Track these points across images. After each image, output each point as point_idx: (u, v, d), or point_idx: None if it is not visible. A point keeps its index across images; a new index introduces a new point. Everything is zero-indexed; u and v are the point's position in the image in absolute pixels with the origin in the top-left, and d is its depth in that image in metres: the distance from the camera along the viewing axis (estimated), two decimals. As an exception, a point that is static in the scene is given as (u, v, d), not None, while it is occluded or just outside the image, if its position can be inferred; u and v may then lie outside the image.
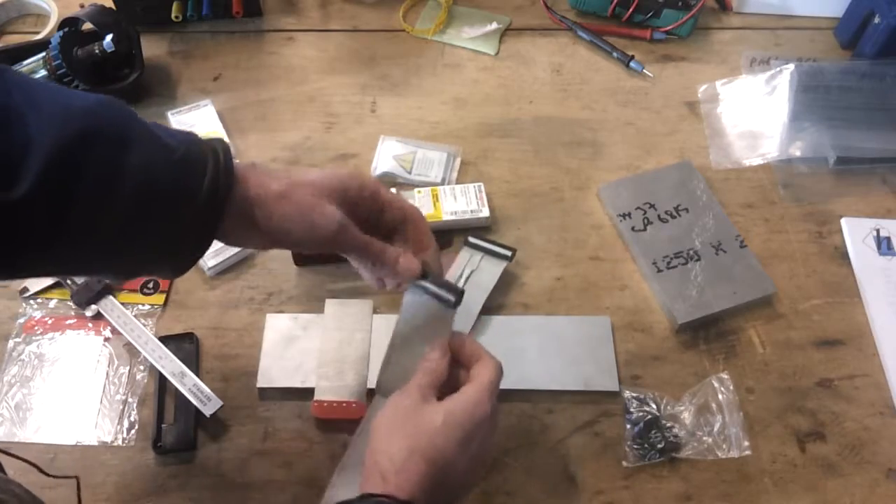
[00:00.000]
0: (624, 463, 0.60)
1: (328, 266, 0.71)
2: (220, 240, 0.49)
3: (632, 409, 0.62)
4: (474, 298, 0.67)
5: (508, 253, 0.69)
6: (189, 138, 0.46)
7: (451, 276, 0.68)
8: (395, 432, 0.46)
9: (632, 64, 0.87)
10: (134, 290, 0.69)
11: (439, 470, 0.45)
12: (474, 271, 0.68)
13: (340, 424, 0.61)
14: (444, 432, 0.46)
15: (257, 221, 0.47)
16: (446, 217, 0.72)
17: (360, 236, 0.50)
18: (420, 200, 0.73)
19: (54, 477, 0.55)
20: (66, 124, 0.41)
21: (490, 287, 0.68)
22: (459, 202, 0.73)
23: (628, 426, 0.61)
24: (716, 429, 0.61)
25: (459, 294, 0.52)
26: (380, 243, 0.51)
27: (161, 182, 0.44)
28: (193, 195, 0.44)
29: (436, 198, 0.73)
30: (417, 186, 0.75)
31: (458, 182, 0.77)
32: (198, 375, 0.63)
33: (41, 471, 0.53)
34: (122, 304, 0.67)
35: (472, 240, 0.70)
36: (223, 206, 0.46)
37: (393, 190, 0.71)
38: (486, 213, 0.73)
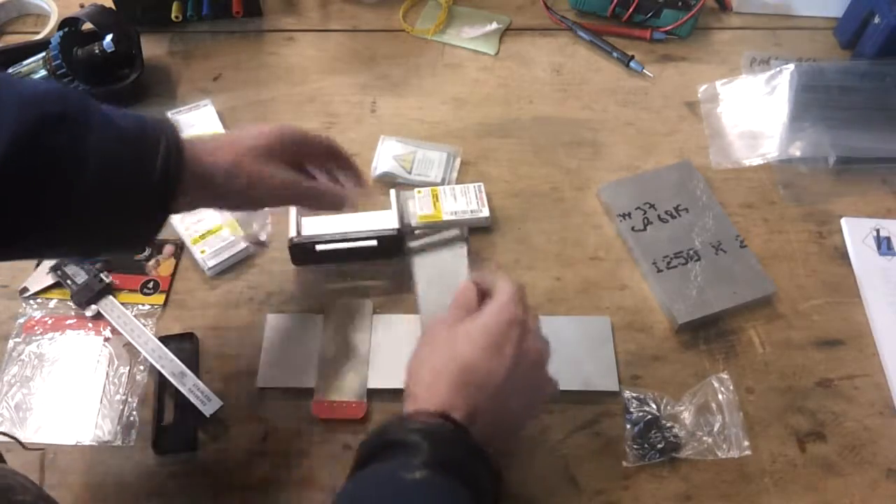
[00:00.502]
0: (624, 463, 0.60)
1: (328, 266, 0.71)
2: (179, 211, 0.53)
3: (632, 409, 0.62)
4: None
5: (456, 232, 0.69)
6: (140, 120, 0.49)
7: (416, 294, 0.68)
8: (426, 357, 0.49)
9: (632, 64, 0.87)
10: (134, 290, 0.69)
11: (470, 375, 0.46)
12: (440, 274, 0.67)
13: (340, 424, 0.61)
14: (468, 341, 0.48)
15: (211, 192, 0.52)
16: (446, 217, 0.72)
17: (300, 182, 0.57)
18: (420, 201, 0.73)
19: (26, 448, 0.58)
20: (24, 110, 0.42)
21: (464, 269, 0.68)
22: (459, 202, 0.73)
23: (628, 426, 0.61)
24: (716, 429, 0.61)
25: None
26: (321, 184, 0.59)
27: (120, 163, 0.46)
28: (149, 174, 0.47)
29: (436, 198, 0.73)
30: (417, 186, 0.74)
31: (458, 182, 0.77)
32: (198, 375, 0.63)
33: (16, 440, 0.57)
34: (122, 304, 0.67)
35: (412, 244, 0.70)
36: (176, 184, 0.49)
37: (392, 191, 0.72)
38: (486, 213, 0.72)
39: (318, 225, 0.69)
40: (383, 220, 0.69)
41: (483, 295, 0.53)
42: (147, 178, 0.47)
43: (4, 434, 0.56)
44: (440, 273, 0.65)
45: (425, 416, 0.44)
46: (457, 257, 0.68)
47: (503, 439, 0.48)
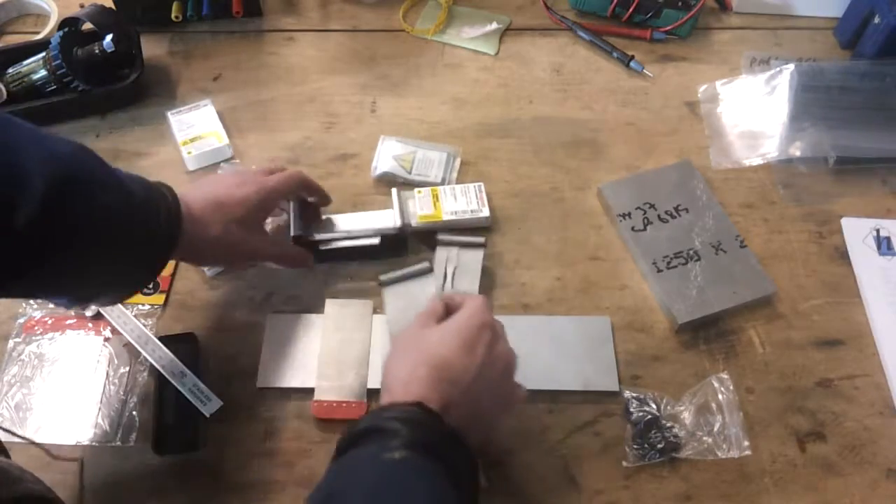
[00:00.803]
0: (624, 463, 0.60)
1: (329, 266, 0.71)
2: (178, 257, 0.61)
3: (632, 409, 0.62)
4: (466, 290, 0.67)
5: (481, 240, 0.70)
6: (143, 184, 0.55)
7: (435, 275, 0.68)
8: (400, 356, 0.51)
9: (632, 64, 0.87)
10: (134, 290, 0.69)
11: (444, 371, 0.49)
12: (457, 267, 0.68)
13: (340, 424, 0.61)
14: (442, 341, 0.51)
15: (196, 255, 0.61)
16: (446, 217, 0.72)
17: (273, 251, 0.66)
18: (420, 201, 0.73)
19: (60, 459, 0.58)
20: (55, 167, 0.47)
21: (477, 276, 0.68)
22: (459, 202, 0.73)
23: (628, 426, 0.61)
24: (716, 429, 0.61)
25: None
26: (287, 251, 0.68)
27: (128, 223, 0.52)
28: (153, 234, 0.54)
29: (436, 198, 0.73)
30: (417, 186, 0.75)
31: (458, 182, 0.77)
32: (198, 375, 0.63)
33: (48, 452, 0.58)
34: (122, 304, 0.67)
35: (442, 237, 0.70)
36: (171, 248, 0.56)
37: (394, 190, 0.72)
38: (486, 213, 0.72)
39: (318, 224, 0.69)
40: (385, 220, 0.70)
41: (449, 312, 0.55)
42: (151, 237, 0.54)
43: (35, 444, 0.59)
44: (461, 270, 0.68)
45: (401, 405, 0.46)
46: (477, 260, 0.69)
47: (475, 436, 0.49)
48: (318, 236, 0.68)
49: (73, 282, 0.52)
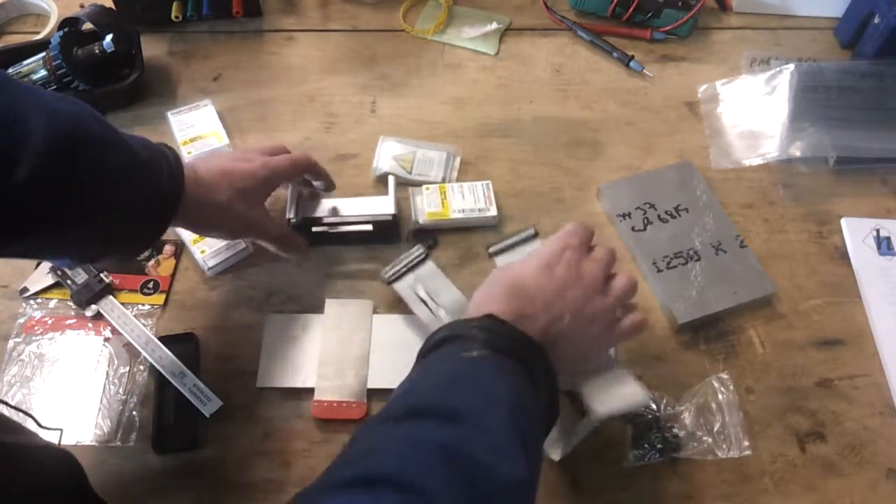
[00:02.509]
0: (624, 463, 0.60)
1: (329, 266, 0.71)
2: (176, 226, 0.60)
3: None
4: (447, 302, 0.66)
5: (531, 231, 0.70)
6: (146, 143, 0.55)
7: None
8: (483, 287, 0.53)
9: (632, 64, 0.87)
10: (134, 290, 0.69)
11: (518, 289, 0.50)
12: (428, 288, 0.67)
13: (340, 424, 0.61)
14: (521, 266, 0.53)
15: (200, 220, 0.61)
16: (454, 215, 0.72)
17: (274, 229, 0.66)
18: (428, 198, 0.73)
19: (46, 428, 0.59)
20: (58, 124, 0.47)
21: (444, 277, 0.67)
22: (467, 200, 0.73)
23: (628, 426, 0.61)
24: (716, 429, 0.61)
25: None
26: (286, 231, 0.68)
27: (132, 181, 0.52)
28: (156, 192, 0.54)
29: (444, 195, 0.73)
30: (417, 185, 0.75)
31: (457, 182, 0.77)
32: (198, 375, 0.63)
33: (35, 421, 0.58)
34: (122, 304, 0.67)
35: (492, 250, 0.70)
36: (178, 202, 0.56)
37: (391, 177, 0.72)
38: (493, 212, 0.72)
39: (315, 208, 0.70)
40: (380, 206, 0.70)
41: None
42: (152, 196, 0.54)
43: (26, 413, 0.59)
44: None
45: (477, 319, 0.48)
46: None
47: (567, 359, 0.50)
48: (314, 220, 0.69)
49: (77, 240, 0.52)
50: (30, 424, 0.59)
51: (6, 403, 0.59)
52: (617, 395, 0.53)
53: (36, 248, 0.52)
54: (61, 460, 0.53)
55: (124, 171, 0.52)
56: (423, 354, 0.49)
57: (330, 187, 0.71)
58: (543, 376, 0.47)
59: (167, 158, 0.56)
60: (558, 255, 0.53)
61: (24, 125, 0.45)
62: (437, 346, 0.48)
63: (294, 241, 0.69)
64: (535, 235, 0.68)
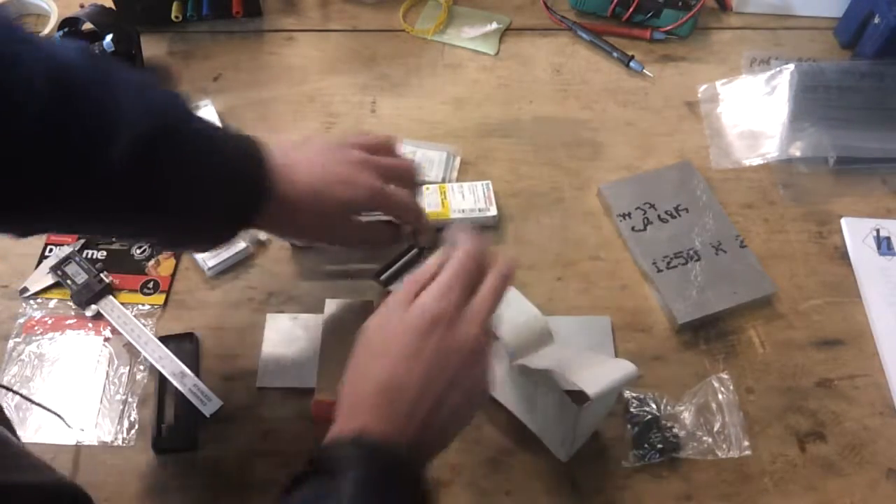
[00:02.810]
0: (624, 463, 0.60)
1: (329, 266, 0.71)
2: (256, 227, 0.57)
3: (632, 409, 0.62)
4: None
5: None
6: (235, 140, 0.54)
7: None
8: (356, 365, 0.47)
9: (632, 64, 0.87)
10: (134, 290, 0.69)
11: (390, 391, 0.44)
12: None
13: (340, 424, 0.61)
14: (389, 347, 0.45)
15: (280, 230, 0.60)
16: (454, 215, 0.72)
17: (360, 238, 0.62)
18: (428, 197, 0.73)
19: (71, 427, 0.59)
20: (149, 115, 0.47)
21: None
22: (467, 200, 0.73)
23: (628, 426, 0.61)
24: (716, 429, 0.61)
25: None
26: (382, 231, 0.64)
27: (217, 174, 0.51)
28: (244, 185, 0.53)
29: (444, 195, 0.73)
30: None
31: (457, 182, 0.77)
32: (198, 375, 0.63)
33: (63, 420, 0.59)
34: (122, 304, 0.67)
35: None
36: (264, 198, 0.53)
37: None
38: (493, 211, 0.72)
39: None
40: None
41: None
42: (238, 189, 0.53)
43: (54, 413, 0.59)
44: None
45: (345, 439, 0.43)
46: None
47: (439, 440, 0.46)
48: None
49: (151, 229, 0.53)
50: (55, 424, 0.59)
51: (33, 401, 0.58)
52: (606, 372, 0.54)
53: (113, 231, 0.54)
54: (67, 498, 0.48)
55: (206, 165, 0.51)
56: (289, 487, 0.43)
57: (422, 232, 0.64)
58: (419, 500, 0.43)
59: (256, 150, 0.54)
60: (427, 330, 0.45)
61: (118, 108, 0.45)
62: (302, 479, 0.42)
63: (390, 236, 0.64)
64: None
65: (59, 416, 0.60)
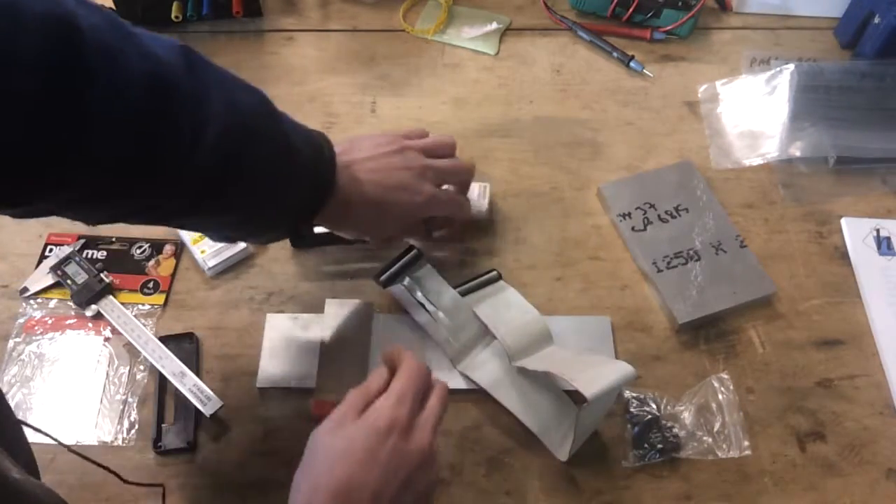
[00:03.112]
0: (624, 463, 0.60)
1: (329, 266, 0.71)
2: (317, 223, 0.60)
3: (632, 409, 0.62)
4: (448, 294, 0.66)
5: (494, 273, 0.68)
6: (307, 138, 0.56)
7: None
8: (306, 471, 0.47)
9: (632, 64, 0.87)
10: (134, 290, 0.69)
11: (349, 494, 0.44)
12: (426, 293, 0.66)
13: (340, 424, 0.61)
14: (344, 456, 0.46)
15: (348, 215, 0.59)
16: None
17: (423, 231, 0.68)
18: None
19: (136, 484, 0.56)
20: (234, 117, 0.48)
21: (441, 278, 0.66)
22: None
23: (628, 426, 0.61)
24: (716, 429, 0.61)
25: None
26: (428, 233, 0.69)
27: (285, 179, 0.53)
28: (313, 185, 0.55)
29: None
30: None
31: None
32: (198, 375, 0.63)
33: (120, 478, 0.55)
34: (122, 304, 0.67)
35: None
36: (329, 196, 0.56)
37: None
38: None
39: None
40: None
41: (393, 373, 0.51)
42: (305, 189, 0.55)
43: (109, 470, 0.56)
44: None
45: None
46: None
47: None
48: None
49: (220, 225, 0.55)
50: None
51: (27, 425, 0.55)
52: (604, 373, 0.54)
53: (194, 223, 0.55)
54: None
55: (280, 171, 0.53)
56: None
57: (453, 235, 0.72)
58: None
59: (322, 151, 0.56)
60: (382, 438, 0.46)
61: (207, 108, 0.46)
62: None
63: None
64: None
65: (52, 437, 0.57)
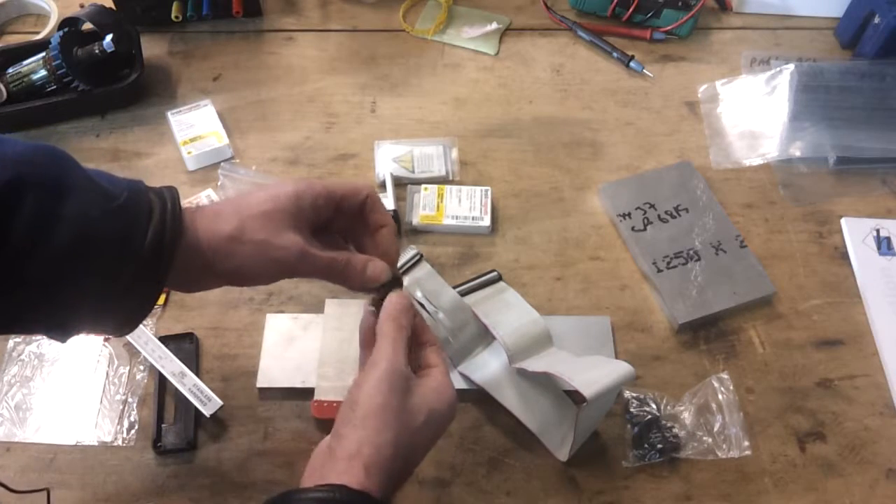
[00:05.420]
0: (624, 463, 0.60)
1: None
2: (174, 288, 0.49)
3: (632, 409, 0.62)
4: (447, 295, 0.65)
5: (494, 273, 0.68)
6: (134, 186, 0.45)
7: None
8: (386, 424, 0.44)
9: (632, 64, 0.87)
10: (134, 290, 0.69)
11: (408, 461, 0.46)
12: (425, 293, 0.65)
13: (340, 424, 0.61)
14: (423, 432, 0.46)
15: (211, 266, 0.46)
16: (447, 221, 0.72)
17: (322, 257, 0.48)
18: (425, 198, 0.73)
19: (21, 492, 0.53)
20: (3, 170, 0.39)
21: (441, 279, 0.65)
22: (463, 206, 0.73)
23: (628, 426, 0.61)
24: (716, 429, 0.61)
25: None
26: (344, 256, 0.50)
27: (99, 231, 0.42)
28: (136, 245, 0.43)
29: (440, 198, 0.73)
30: (424, 183, 0.74)
31: (459, 175, 0.77)
32: (198, 375, 0.63)
33: (6, 487, 0.52)
34: (122, 304, 0.67)
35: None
36: (170, 256, 0.44)
37: (388, 172, 0.71)
38: (486, 222, 0.72)
39: None
40: None
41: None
42: (133, 248, 0.43)
43: None
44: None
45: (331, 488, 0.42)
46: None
47: (407, 475, 0.47)
48: None
49: (40, 305, 0.43)
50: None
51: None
52: (603, 374, 0.54)
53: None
54: None
55: (88, 221, 0.42)
56: None
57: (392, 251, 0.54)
58: None
59: (162, 200, 0.45)
60: (446, 412, 0.48)
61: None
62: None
63: (353, 270, 0.50)
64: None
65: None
